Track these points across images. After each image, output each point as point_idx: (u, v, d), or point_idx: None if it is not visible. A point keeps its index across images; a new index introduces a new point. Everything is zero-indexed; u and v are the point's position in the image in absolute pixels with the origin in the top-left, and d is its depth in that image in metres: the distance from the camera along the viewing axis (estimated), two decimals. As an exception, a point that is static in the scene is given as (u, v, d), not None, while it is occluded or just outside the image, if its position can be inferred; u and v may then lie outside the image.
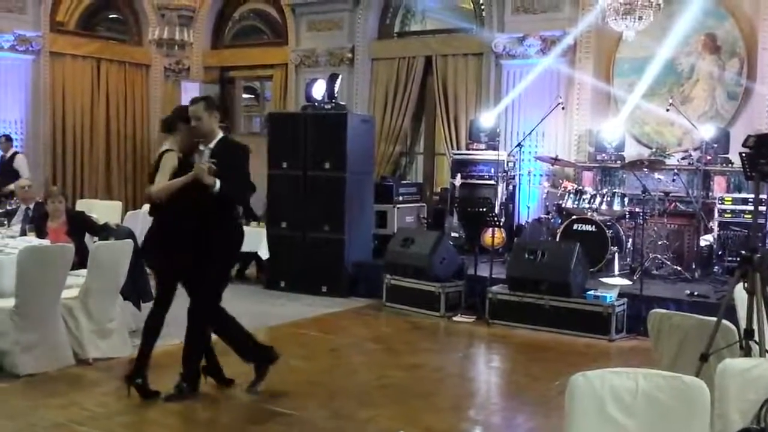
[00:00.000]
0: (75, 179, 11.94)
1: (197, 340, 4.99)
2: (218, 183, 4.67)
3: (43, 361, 5.42)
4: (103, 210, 8.86)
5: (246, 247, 9.03)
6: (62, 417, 4.64)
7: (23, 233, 6.50)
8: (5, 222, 6.65)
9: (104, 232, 6.61)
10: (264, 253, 8.96)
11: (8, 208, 7.87)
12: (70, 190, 11.29)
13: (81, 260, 5.93)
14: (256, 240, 9.00)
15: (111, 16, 13.19)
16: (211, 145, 4.87)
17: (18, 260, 5.32)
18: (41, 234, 6.43)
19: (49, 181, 11.33)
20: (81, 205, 9.64)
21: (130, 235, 6.51)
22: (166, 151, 4.88)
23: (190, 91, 12.06)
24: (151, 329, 5.01)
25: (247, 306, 8.03)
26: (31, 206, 7.49)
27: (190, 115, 4.85)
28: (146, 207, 5.65)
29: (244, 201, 5.95)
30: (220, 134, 4.95)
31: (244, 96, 13.33)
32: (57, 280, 5.55)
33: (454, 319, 7.68)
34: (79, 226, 6.64)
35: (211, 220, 4.83)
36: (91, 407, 4.83)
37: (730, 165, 8.47)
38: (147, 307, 6.70)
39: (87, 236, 6.66)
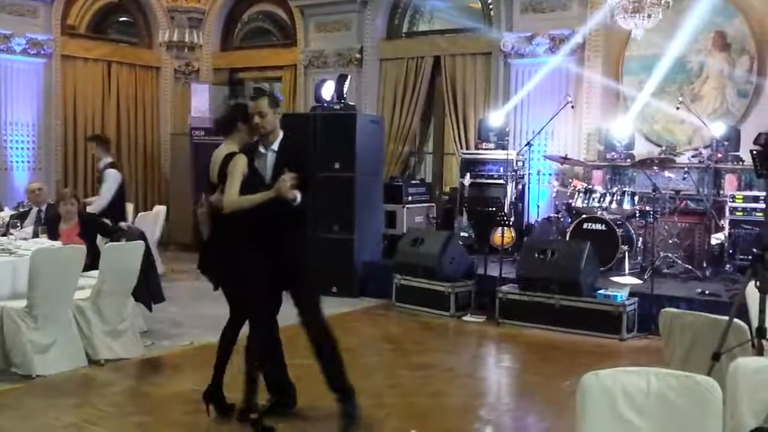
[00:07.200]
0: (86, 181, 11.98)
1: (336, 354, 4.57)
2: (299, 197, 4.27)
3: (56, 362, 5.47)
4: (114, 212, 8.88)
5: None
6: (76, 417, 4.67)
7: (35, 235, 6.54)
8: (18, 224, 6.68)
9: (116, 233, 6.65)
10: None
11: (21, 210, 7.92)
12: (81, 192, 11.33)
13: (93, 262, 5.96)
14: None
15: (121, 19, 13.25)
16: (275, 146, 4.43)
17: (31, 262, 5.37)
18: (53, 236, 6.47)
19: (60, 183, 11.39)
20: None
21: (141, 236, 6.56)
22: (233, 154, 4.40)
23: (199, 93, 12.11)
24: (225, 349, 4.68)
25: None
26: (43, 208, 7.53)
27: (253, 112, 4.39)
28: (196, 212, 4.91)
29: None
30: (281, 134, 4.48)
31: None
32: (69, 281, 5.59)
33: (464, 318, 7.69)
34: (91, 227, 6.68)
35: (287, 233, 4.44)
36: (104, 407, 4.87)
37: (740, 163, 8.43)
38: (158, 308, 6.78)
39: (99, 238, 6.69)
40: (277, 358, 4.76)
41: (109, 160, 8.28)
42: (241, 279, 4.44)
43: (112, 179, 7.96)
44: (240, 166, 4.32)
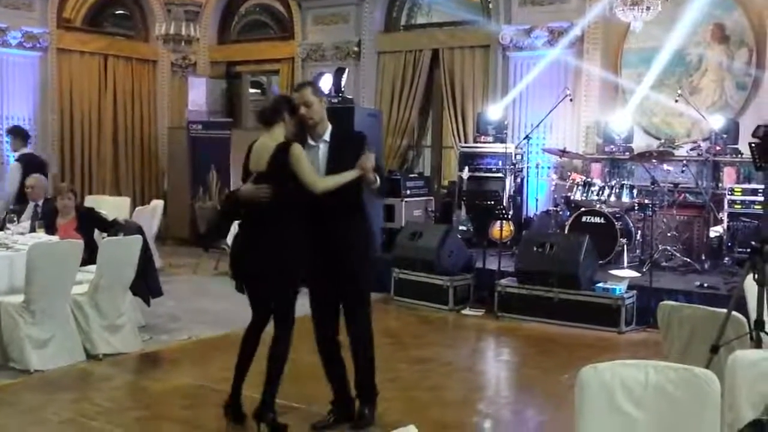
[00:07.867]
0: (83, 175, 11.97)
1: (372, 358, 4.45)
2: (378, 180, 4.11)
3: (53, 357, 5.46)
4: (111, 206, 8.89)
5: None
6: (74, 412, 4.67)
7: (32, 230, 6.52)
8: (15, 218, 6.67)
9: (113, 227, 6.63)
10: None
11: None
12: (78, 187, 11.31)
13: (90, 256, 5.95)
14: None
15: (117, 12, 13.19)
16: (326, 137, 4.24)
17: (28, 256, 5.35)
18: (50, 230, 6.46)
19: (57, 177, 11.35)
20: (89, 201, 9.65)
21: (139, 230, 6.53)
22: (287, 143, 4.13)
23: (196, 87, 12.08)
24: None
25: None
26: (40, 203, 7.52)
27: (299, 103, 4.17)
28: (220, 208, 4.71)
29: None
30: (330, 125, 4.29)
31: (251, 91, 13.33)
32: (66, 276, 5.57)
33: (463, 312, 7.68)
34: (89, 222, 6.67)
35: (342, 219, 4.27)
36: (102, 402, 4.86)
37: (739, 155, 8.41)
38: (156, 302, 6.77)
39: (96, 232, 6.68)
40: (334, 361, 4.50)
41: (24, 151, 8.46)
42: (281, 270, 4.16)
43: (11, 173, 8.29)
44: (303, 152, 4.10)
